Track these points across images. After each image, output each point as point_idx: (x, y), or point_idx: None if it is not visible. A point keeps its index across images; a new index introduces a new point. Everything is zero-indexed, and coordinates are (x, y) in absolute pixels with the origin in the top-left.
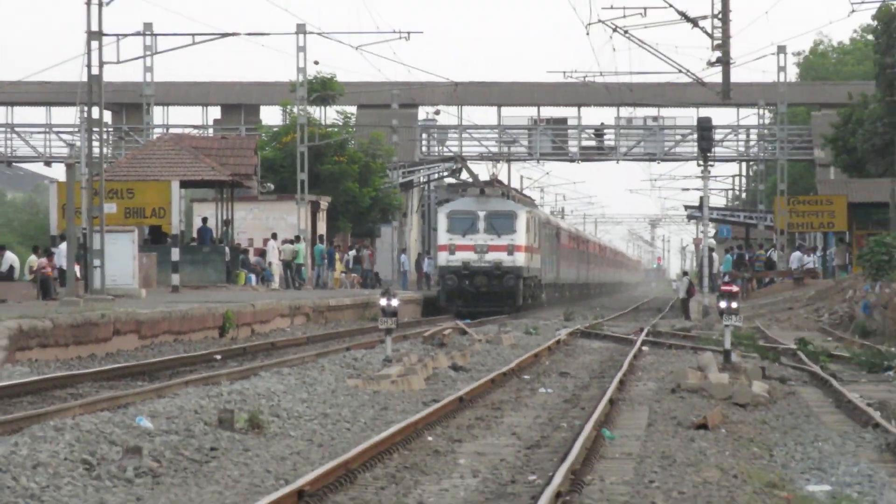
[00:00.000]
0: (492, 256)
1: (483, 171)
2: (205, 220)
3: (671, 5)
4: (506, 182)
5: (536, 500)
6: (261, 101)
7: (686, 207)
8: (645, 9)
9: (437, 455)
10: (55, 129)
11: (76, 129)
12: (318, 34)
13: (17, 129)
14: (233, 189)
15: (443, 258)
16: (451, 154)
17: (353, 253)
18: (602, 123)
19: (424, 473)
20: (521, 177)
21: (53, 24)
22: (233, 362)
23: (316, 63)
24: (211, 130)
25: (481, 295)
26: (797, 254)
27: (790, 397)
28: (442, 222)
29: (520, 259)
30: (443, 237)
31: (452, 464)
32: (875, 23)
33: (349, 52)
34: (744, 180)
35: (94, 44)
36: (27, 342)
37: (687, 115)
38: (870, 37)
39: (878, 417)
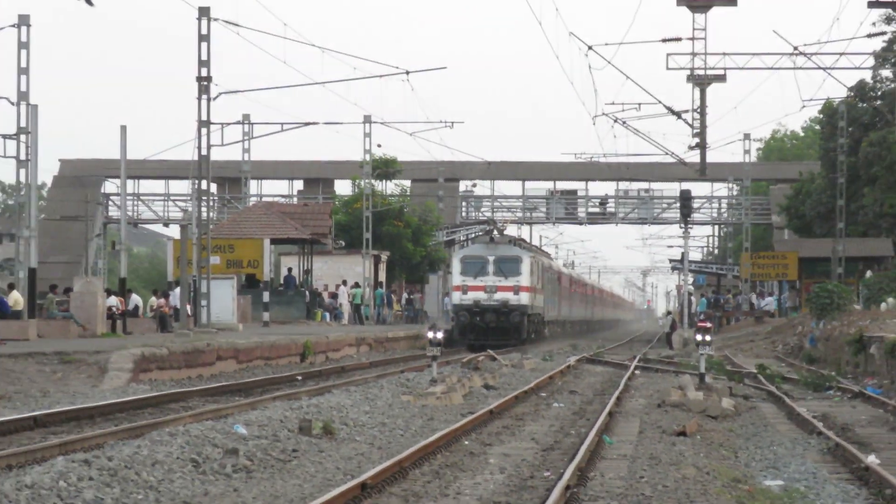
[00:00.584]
0: (500, 296)
1: (512, 231)
2: (290, 269)
3: (660, 101)
4: (528, 240)
5: (550, 491)
6: (335, 175)
7: (670, 261)
8: (639, 104)
9: (472, 456)
10: (172, 198)
11: (189, 198)
12: (381, 123)
13: (142, 197)
14: (312, 245)
15: (457, 297)
16: (484, 218)
17: (406, 296)
18: (605, 195)
19: (462, 470)
20: (540, 236)
21: (172, 113)
22: (311, 382)
23: (379, 146)
24: (295, 199)
25: (490, 329)
26: (752, 295)
27: (752, 411)
28: (456, 266)
29: (524, 298)
30: (457, 279)
31: (484, 463)
32: (821, 116)
33: (405, 137)
34: (716, 239)
35: (204, 130)
36: (148, 365)
37: (671, 188)
38: (817, 126)
39: (821, 427)
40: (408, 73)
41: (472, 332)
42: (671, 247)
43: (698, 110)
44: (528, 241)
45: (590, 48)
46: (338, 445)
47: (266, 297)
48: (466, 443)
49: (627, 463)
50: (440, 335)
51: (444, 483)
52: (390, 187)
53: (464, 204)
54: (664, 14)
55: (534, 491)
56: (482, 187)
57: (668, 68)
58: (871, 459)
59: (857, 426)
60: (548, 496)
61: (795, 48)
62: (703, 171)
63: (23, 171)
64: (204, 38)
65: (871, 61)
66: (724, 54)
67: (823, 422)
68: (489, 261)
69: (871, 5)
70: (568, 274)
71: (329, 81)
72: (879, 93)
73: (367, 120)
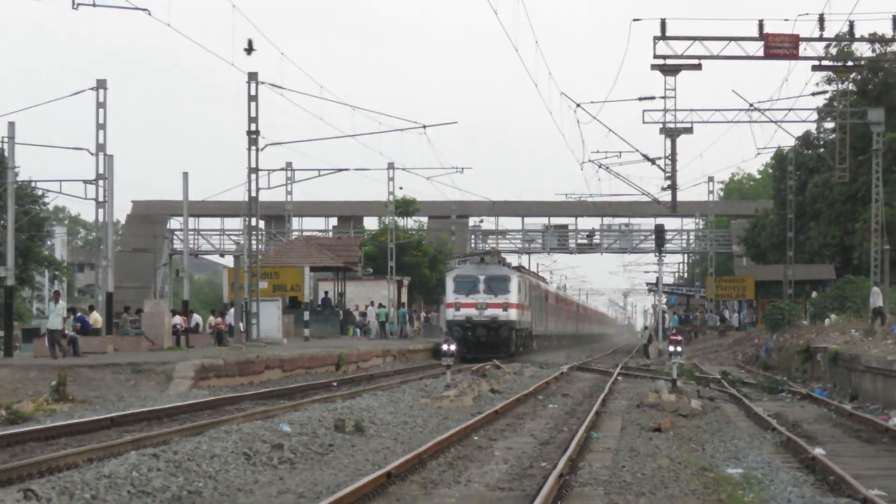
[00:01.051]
0: (489, 312)
1: (513, 260)
2: (326, 292)
3: (637, 150)
4: (527, 267)
5: (546, 478)
6: (364, 213)
7: (647, 284)
8: (620, 152)
9: (481, 449)
10: (227, 233)
11: (241, 233)
12: (402, 169)
13: (201, 232)
14: (345, 272)
15: (450, 313)
16: (490, 249)
17: (424, 315)
18: (592, 229)
19: (472, 461)
20: (538, 264)
21: (226, 161)
22: (344, 387)
23: (401, 189)
24: (330, 233)
25: (481, 343)
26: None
27: (716, 410)
28: (449, 284)
29: (512, 314)
30: (450, 296)
31: (490, 455)
32: (773, 161)
33: (422, 181)
34: (686, 266)
35: (254, 176)
36: (206, 374)
37: (648, 223)
38: (770, 170)
39: (775, 424)
40: (425, 126)
41: (464, 345)
42: (647, 272)
43: (669, 157)
44: (526, 267)
45: (578, 105)
46: (367, 441)
47: (306, 315)
48: (475, 438)
49: (612, 455)
50: (453, 347)
51: (456, 472)
52: (410, 223)
53: (472, 237)
54: (641, 77)
55: (532, 479)
56: (488, 222)
57: (644, 122)
58: (818, 451)
59: (806, 423)
60: (544, 483)
61: (751, 104)
62: (674, 209)
63: (101, 211)
64: (253, 98)
65: (814, 115)
66: (691, 110)
67: (777, 419)
68: (480, 279)
69: (814, 69)
70: (555, 293)
71: (358, 134)
72: (822, 142)
73: (391, 167)
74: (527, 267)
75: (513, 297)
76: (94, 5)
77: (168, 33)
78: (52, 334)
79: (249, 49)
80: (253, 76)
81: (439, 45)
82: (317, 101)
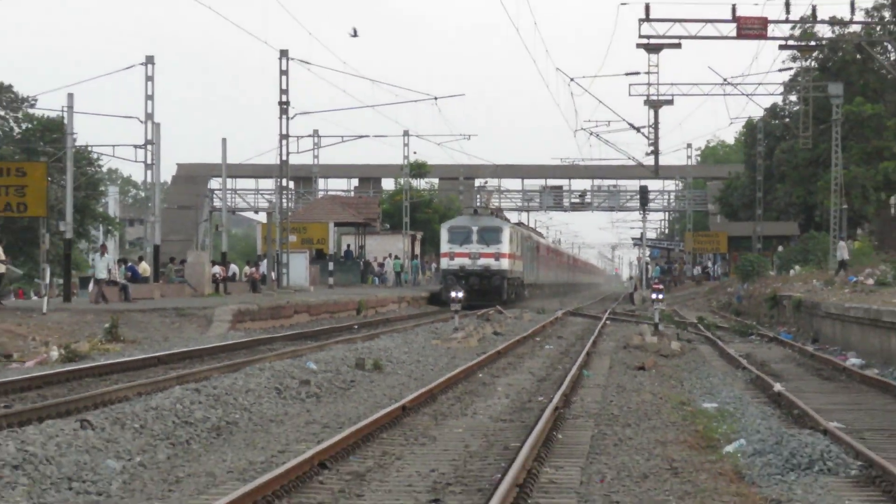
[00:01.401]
0: (482, 262)
1: (513, 217)
2: (348, 245)
3: (624, 119)
4: (526, 223)
5: (543, 411)
6: (382, 175)
7: (633, 238)
8: (609, 121)
9: (485, 385)
10: (260, 192)
11: (273, 192)
12: (416, 136)
13: (237, 191)
14: (365, 227)
15: (444, 263)
16: (493, 207)
17: (434, 265)
18: (584, 190)
19: (477, 396)
20: (536, 221)
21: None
22: (364, 330)
23: (415, 153)
24: (352, 193)
25: (474, 292)
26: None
27: (693, 351)
28: (444, 235)
29: (504, 264)
30: (444, 247)
31: (494, 390)
32: (744, 130)
33: (434, 146)
34: (667, 223)
35: (284, 142)
36: (242, 318)
37: (633, 185)
38: (742, 138)
39: (745, 363)
40: (436, 98)
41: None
42: (633, 228)
43: (653, 126)
44: (525, 223)
45: (571, 80)
46: (384, 377)
47: (330, 266)
48: (480, 375)
49: (601, 390)
50: (461, 294)
51: (463, 405)
52: (423, 184)
53: (478, 196)
54: (628, 54)
55: (531, 411)
56: (492, 184)
57: (630, 95)
58: (778, 387)
59: (773, 363)
60: (541, 415)
61: (725, 79)
62: (657, 172)
63: (149, 173)
64: (283, 73)
65: (781, 89)
66: (672, 84)
67: (747, 359)
68: (473, 230)
69: (781, 48)
70: (546, 244)
71: (377, 105)
72: (788, 113)
73: (406, 134)
74: (526, 223)
75: (504, 247)
76: None
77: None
78: (98, 283)
79: (354, 34)
80: (284, 53)
81: (449, 27)
82: (340, 75)
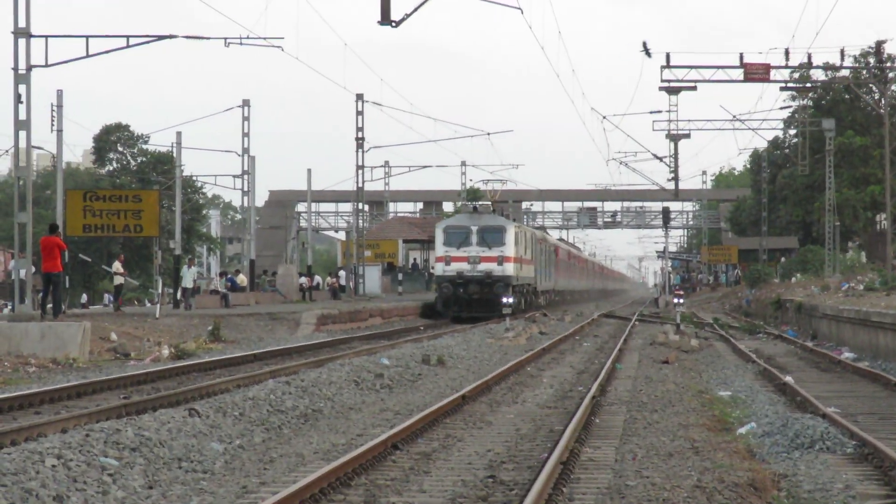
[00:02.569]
0: (483, 267)
1: (554, 234)
2: (415, 259)
3: (649, 151)
4: (566, 239)
5: (583, 399)
6: (443, 199)
7: (656, 252)
8: (636, 152)
9: (532, 377)
10: (340, 214)
11: (351, 214)
12: (471, 166)
13: (320, 213)
14: (429, 243)
15: (440, 268)
16: (539, 226)
17: None
18: (615, 211)
19: (525, 386)
20: (574, 237)
21: (340, 159)
22: (429, 331)
23: (471, 181)
24: (418, 214)
25: (474, 301)
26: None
27: (710, 347)
28: (439, 236)
29: (509, 269)
30: (440, 250)
31: (540, 381)
32: (751, 159)
33: (486, 174)
34: (686, 238)
35: (360, 172)
36: (325, 321)
37: (657, 206)
38: (749, 166)
39: (755, 357)
40: (489, 133)
41: (455, 303)
42: (657, 243)
43: (673, 156)
44: (566, 240)
45: (604, 117)
46: (447, 371)
47: (399, 277)
48: (528, 369)
49: (631, 381)
50: (512, 300)
51: (514, 394)
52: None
53: (525, 217)
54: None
55: (572, 399)
56: (537, 206)
57: (653, 130)
58: (788, 379)
59: (778, 357)
60: (581, 402)
61: (734, 116)
62: (677, 195)
63: (245, 199)
64: (359, 113)
65: (782, 125)
66: (689, 120)
67: (756, 354)
68: (472, 231)
69: (782, 89)
70: (566, 249)
71: (438, 139)
72: (788, 144)
73: (463, 164)
74: (565, 239)
75: (509, 249)
76: (240, 43)
77: (297, 64)
78: (185, 291)
79: (647, 51)
80: (360, 96)
81: (498, 72)
82: (407, 114)
